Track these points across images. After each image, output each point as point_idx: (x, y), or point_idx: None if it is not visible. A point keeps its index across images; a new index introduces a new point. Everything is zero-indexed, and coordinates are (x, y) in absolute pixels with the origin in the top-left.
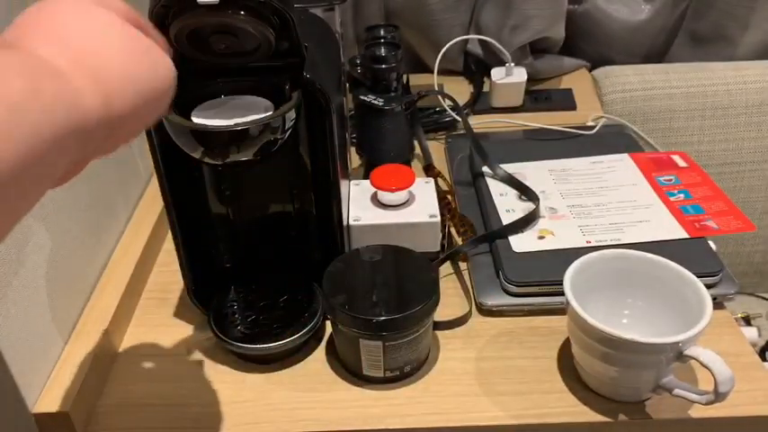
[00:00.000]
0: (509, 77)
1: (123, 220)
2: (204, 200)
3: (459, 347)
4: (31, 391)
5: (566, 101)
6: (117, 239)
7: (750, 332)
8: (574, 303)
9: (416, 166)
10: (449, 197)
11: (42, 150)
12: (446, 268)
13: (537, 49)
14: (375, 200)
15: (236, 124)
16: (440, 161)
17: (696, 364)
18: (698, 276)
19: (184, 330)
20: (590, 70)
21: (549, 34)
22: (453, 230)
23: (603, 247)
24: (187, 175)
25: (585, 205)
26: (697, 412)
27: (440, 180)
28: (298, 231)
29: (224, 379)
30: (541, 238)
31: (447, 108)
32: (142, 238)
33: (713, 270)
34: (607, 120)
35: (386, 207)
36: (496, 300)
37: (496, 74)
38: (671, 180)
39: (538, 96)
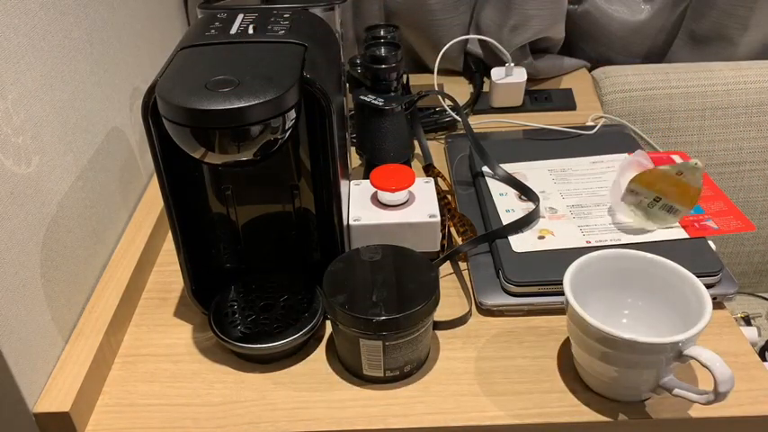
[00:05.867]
0: (509, 77)
1: (123, 220)
2: (204, 200)
3: (459, 347)
4: (31, 391)
5: (566, 101)
6: (117, 239)
7: (750, 332)
8: (573, 303)
9: (416, 166)
10: (449, 197)
11: None
12: (446, 268)
13: (537, 49)
14: (375, 200)
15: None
16: (440, 161)
17: (696, 364)
18: (698, 276)
19: (184, 330)
20: (590, 70)
21: (549, 34)
22: (453, 230)
23: (603, 247)
24: (187, 175)
25: (585, 205)
26: (697, 412)
27: (440, 180)
28: (298, 231)
29: (224, 379)
30: (541, 238)
31: (447, 108)
32: (142, 238)
33: (713, 270)
34: (607, 120)
35: (386, 207)
36: (496, 300)
37: (496, 74)
38: None
39: (538, 96)
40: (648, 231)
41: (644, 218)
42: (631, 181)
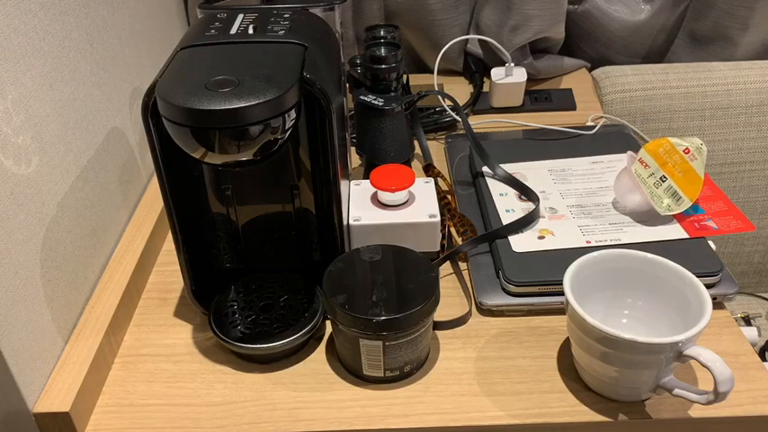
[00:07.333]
0: (509, 77)
1: (123, 220)
2: (204, 200)
3: (459, 347)
4: (31, 391)
5: (566, 101)
6: (117, 239)
7: (750, 332)
8: (573, 303)
9: (416, 166)
10: (449, 197)
11: None
12: (446, 268)
13: (537, 49)
14: (375, 200)
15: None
16: (440, 161)
17: (696, 364)
18: (698, 276)
19: (184, 330)
20: (590, 70)
21: (549, 34)
22: (453, 230)
23: (603, 247)
24: (187, 175)
25: (585, 205)
26: (697, 412)
27: (440, 180)
28: (298, 231)
29: (224, 379)
30: (541, 238)
31: (447, 108)
32: (142, 238)
33: (713, 270)
34: (607, 120)
35: (386, 207)
36: (496, 300)
37: (496, 74)
38: None
39: (538, 96)
40: (648, 231)
41: (651, 191)
42: (644, 147)
